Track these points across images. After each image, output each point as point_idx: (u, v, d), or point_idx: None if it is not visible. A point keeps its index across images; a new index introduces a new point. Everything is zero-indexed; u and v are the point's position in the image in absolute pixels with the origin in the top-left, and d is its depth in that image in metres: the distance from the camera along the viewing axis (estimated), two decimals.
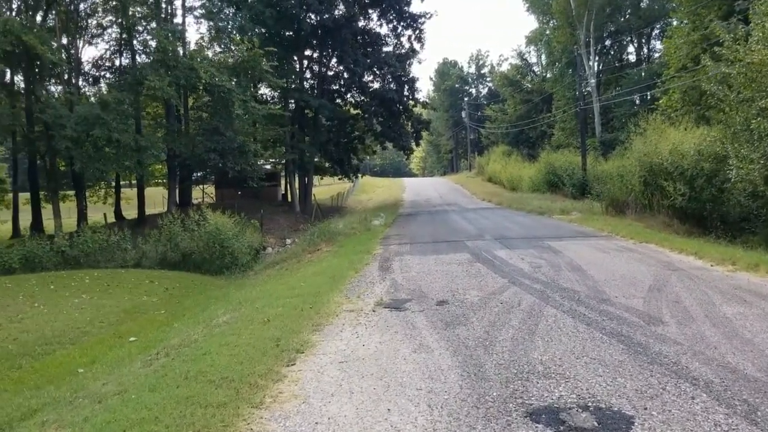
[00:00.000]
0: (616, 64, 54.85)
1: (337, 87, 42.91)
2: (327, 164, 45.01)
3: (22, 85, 33.34)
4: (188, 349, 7.21)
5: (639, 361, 5.81)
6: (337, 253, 18.11)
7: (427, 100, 49.74)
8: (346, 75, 41.26)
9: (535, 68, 72.40)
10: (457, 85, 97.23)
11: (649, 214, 21.64)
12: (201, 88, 31.79)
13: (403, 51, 42.07)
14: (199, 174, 43.17)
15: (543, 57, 68.49)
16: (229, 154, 32.96)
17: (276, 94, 42.70)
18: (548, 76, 64.81)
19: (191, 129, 36.36)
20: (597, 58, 52.36)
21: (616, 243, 15.87)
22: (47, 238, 25.08)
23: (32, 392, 8.20)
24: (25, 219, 36.78)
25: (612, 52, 56.76)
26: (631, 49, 57.49)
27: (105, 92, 34.35)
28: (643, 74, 48.03)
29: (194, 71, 29.26)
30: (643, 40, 55.92)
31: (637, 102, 48.07)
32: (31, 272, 22.45)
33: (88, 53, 50.75)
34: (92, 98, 33.20)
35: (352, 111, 44.05)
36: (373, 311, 8.46)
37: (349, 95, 43.32)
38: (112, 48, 39.67)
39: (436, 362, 5.89)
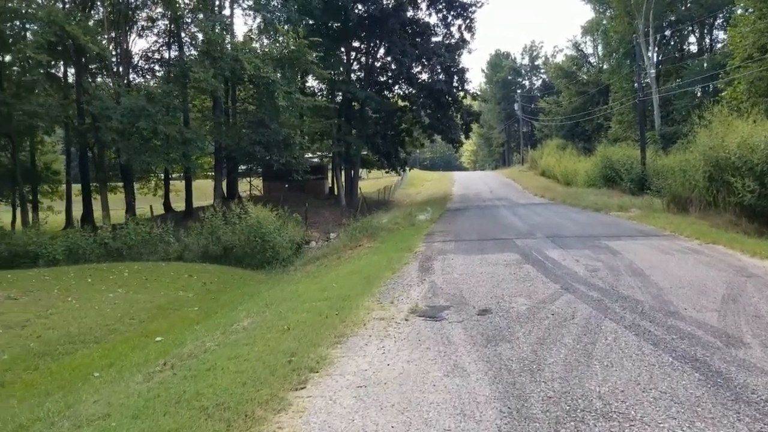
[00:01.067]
0: (676, 55, 52.35)
1: (385, 78, 42.03)
2: (374, 157, 44.24)
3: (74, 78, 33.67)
4: (195, 362, 6.45)
5: (721, 398, 4.73)
6: (377, 249, 17.25)
7: (478, 92, 48.30)
8: (393, 66, 40.29)
9: (591, 59, 70.20)
10: (509, 77, 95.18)
11: (714, 212, 20.07)
12: (246, 79, 31.36)
13: (452, 41, 40.83)
14: (246, 167, 43.02)
15: (599, 47, 66.33)
16: (275, 147, 32.47)
17: (323, 86, 42.16)
18: (605, 67, 62.64)
19: (238, 121, 36.09)
20: (656, 49, 49.98)
21: (680, 244, 14.52)
22: (92, 230, 25.01)
23: (37, 400, 7.60)
24: (78, 210, 37.19)
25: (672, 42, 54.19)
26: (692, 39, 54.74)
27: (151, 84, 34.27)
28: (705, 65, 45.56)
29: (239, 62, 28.80)
30: (705, 30, 53.07)
31: (699, 94, 45.76)
32: (75, 264, 22.38)
33: (139, 45, 51.68)
34: (137, 91, 33.10)
35: (400, 103, 43.10)
36: (406, 320, 7.53)
37: (396, 87, 42.38)
38: (161, 40, 39.77)
39: (471, 391, 4.93)
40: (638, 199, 28.53)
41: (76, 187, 39.15)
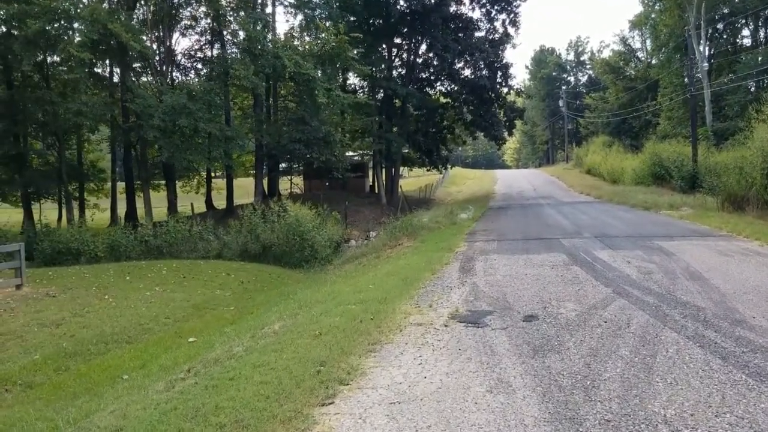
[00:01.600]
0: (729, 48, 50.34)
1: (426, 75, 41.44)
2: (415, 155, 43.71)
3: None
4: (219, 369, 6.07)
5: None
6: (417, 249, 16.74)
7: (521, 87, 47.26)
8: (435, 62, 39.66)
9: (640, 54, 68.35)
10: (554, 73, 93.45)
11: None
12: (286, 77, 31.24)
13: (496, 36, 40.05)
14: (287, 165, 42.96)
15: (648, 42, 64.55)
16: (315, 144, 32.27)
17: (365, 83, 41.83)
18: (653, 62, 60.86)
19: (279, 119, 36.02)
20: (708, 42, 48.11)
21: (738, 245, 13.62)
22: (132, 228, 25.14)
23: (62, 403, 7.35)
24: (124, 208, 37.70)
25: (725, 36, 52.13)
26: (745, 32, 52.57)
27: (192, 82, 34.41)
28: (759, 59, 43.63)
29: (279, 60, 28.63)
30: (760, 23, 50.91)
31: (753, 88, 43.93)
32: (116, 261, 22.48)
33: (182, 45, 52.36)
34: (179, 89, 33.23)
35: (442, 99, 42.45)
36: (446, 326, 7.01)
37: (438, 83, 41.73)
38: (203, 39, 39.93)
39: (517, 411, 4.39)
40: (689, 198, 27.47)
41: (122, 186, 39.70)
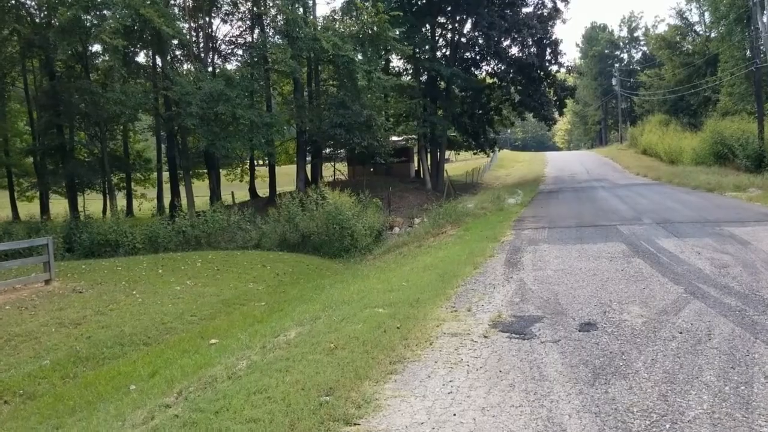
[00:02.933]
0: None
1: (471, 55, 39.77)
2: (461, 138, 42.25)
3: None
4: (210, 395, 5.11)
5: None
6: (460, 238, 15.58)
7: (572, 65, 45.08)
8: (480, 41, 38.01)
9: (698, 27, 64.86)
10: (606, 51, 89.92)
11: None
12: (326, 59, 30.26)
13: (545, 11, 38.09)
14: (330, 151, 42.09)
15: (706, 15, 61.08)
16: (356, 129, 31.20)
17: (408, 66, 40.51)
18: (712, 35, 57.60)
19: (320, 103, 35.13)
20: None
21: None
22: (170, 218, 24.65)
23: (56, 421, 6.56)
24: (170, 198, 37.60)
25: None
26: None
27: (230, 68, 33.78)
28: None
29: (317, 42, 27.64)
30: None
31: None
32: (154, 253, 22.02)
33: (223, 31, 51.60)
34: (219, 76, 32.61)
35: (488, 80, 40.78)
36: (485, 337, 5.90)
37: (483, 63, 39.99)
38: (244, 25, 39.27)
39: None
40: (757, 178, 25.65)
41: (168, 175, 39.61)
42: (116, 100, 27.01)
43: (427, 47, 37.35)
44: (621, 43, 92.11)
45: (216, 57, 37.89)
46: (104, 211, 35.93)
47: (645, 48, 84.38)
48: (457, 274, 9.43)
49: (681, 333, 5.67)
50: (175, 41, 27.57)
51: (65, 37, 24.56)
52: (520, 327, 6.19)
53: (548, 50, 37.32)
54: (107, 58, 30.82)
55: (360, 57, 29.63)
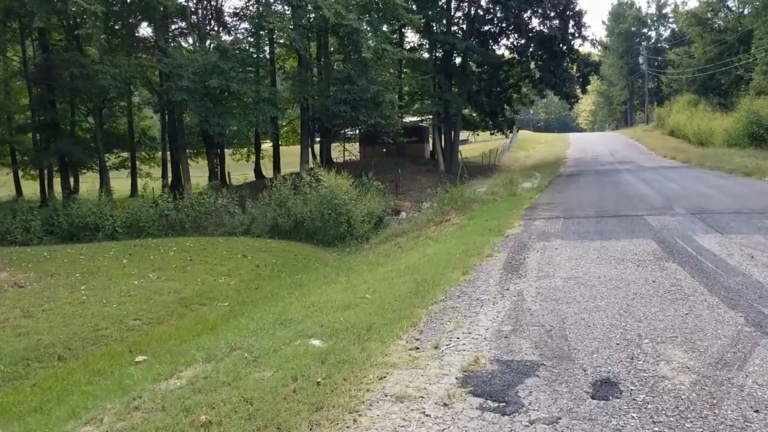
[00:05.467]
0: None
1: (489, 28, 37.23)
2: (477, 117, 39.83)
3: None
4: None
5: None
6: (461, 229, 13.44)
7: (596, 38, 42.10)
8: (499, 13, 35.53)
9: (730, 3, 61.38)
10: (633, 29, 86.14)
11: None
12: (329, 29, 28.04)
13: None
14: (339, 130, 39.92)
15: None
16: (362, 106, 28.96)
17: (424, 41, 38.08)
18: (746, 11, 54.40)
19: (328, 78, 32.96)
20: None
21: None
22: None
23: None
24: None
25: None
26: None
27: (227, 40, 31.68)
28: None
29: (319, 10, 25.42)
30: None
31: None
32: (135, 238, 20.21)
33: (230, 2, 49.13)
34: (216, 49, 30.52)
35: (507, 55, 38.22)
36: (445, 406, 3.79)
37: (502, 38, 37.40)
38: None
39: None
40: None
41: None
42: (105, 72, 25.19)
43: (444, 21, 34.95)
44: (649, 21, 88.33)
45: (222, 31, 35.85)
46: (101, 191, 34.32)
47: (674, 25, 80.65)
48: (439, 282, 7.32)
49: (756, 412, 3.53)
50: (163, 9, 25.43)
51: (42, 3, 22.67)
52: (503, 386, 4.08)
53: (571, 22, 34.68)
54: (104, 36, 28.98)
55: (366, 27, 27.36)
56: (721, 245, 8.75)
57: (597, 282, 6.94)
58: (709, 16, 60.51)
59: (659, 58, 77.10)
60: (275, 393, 4.05)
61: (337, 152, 42.70)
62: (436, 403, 3.83)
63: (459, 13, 37.13)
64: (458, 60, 36.59)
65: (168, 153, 39.20)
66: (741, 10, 57.54)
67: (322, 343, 5.16)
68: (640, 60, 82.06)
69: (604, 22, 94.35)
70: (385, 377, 4.28)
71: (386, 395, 3.98)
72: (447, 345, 4.96)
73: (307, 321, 6.26)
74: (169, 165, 39.50)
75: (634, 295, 6.27)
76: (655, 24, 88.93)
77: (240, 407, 3.90)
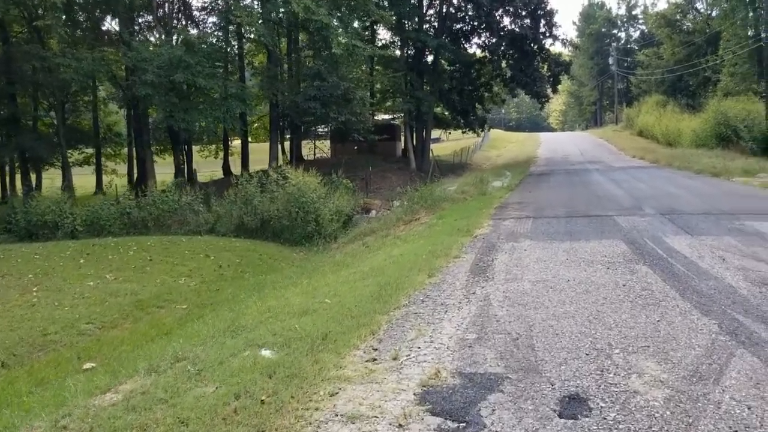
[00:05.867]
0: None
1: (461, 26, 37.08)
2: (449, 115, 39.66)
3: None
4: None
5: None
6: (430, 228, 13.16)
7: (567, 38, 42.16)
8: (471, 12, 35.35)
9: (699, 5, 62.20)
10: (603, 29, 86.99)
11: None
12: (298, 25, 27.56)
13: None
14: (308, 127, 39.40)
15: None
16: (333, 103, 28.52)
17: (397, 39, 37.74)
18: (714, 13, 55.24)
19: (297, 74, 32.44)
20: None
21: None
22: (115, 199, 22.14)
23: None
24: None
25: None
26: None
27: (191, 33, 30.98)
28: None
29: (288, 4, 24.92)
30: None
31: None
32: (96, 236, 19.56)
33: None
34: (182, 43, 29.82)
35: (478, 53, 38.10)
36: (400, 427, 3.47)
37: (474, 36, 37.27)
38: None
39: None
40: (766, 162, 23.37)
41: None
42: (67, 65, 24.40)
43: (416, 18, 34.68)
44: (619, 22, 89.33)
45: (189, 25, 35.08)
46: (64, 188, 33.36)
47: (643, 27, 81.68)
48: (403, 285, 7.00)
49: (730, 428, 3.25)
50: (128, 2, 24.75)
51: None
52: (464, 403, 3.76)
53: (542, 21, 34.66)
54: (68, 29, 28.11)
55: (336, 23, 26.94)
56: (691, 247, 8.57)
57: (566, 286, 6.68)
58: (678, 17, 61.29)
59: (629, 59, 77.92)
60: (214, 413, 3.68)
61: (307, 150, 42.22)
62: (390, 424, 3.49)
63: (431, 11, 36.93)
64: (430, 58, 36.38)
65: (134, 149, 38.25)
66: (709, 12, 58.39)
67: (273, 354, 4.79)
68: (610, 61, 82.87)
69: (575, 23, 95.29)
70: (337, 393, 3.93)
71: (336, 415, 3.63)
72: (407, 356, 4.63)
73: (260, 328, 5.88)
74: (135, 162, 38.56)
75: (604, 300, 6.01)
76: (625, 25, 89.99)
77: (174, 429, 3.52)
